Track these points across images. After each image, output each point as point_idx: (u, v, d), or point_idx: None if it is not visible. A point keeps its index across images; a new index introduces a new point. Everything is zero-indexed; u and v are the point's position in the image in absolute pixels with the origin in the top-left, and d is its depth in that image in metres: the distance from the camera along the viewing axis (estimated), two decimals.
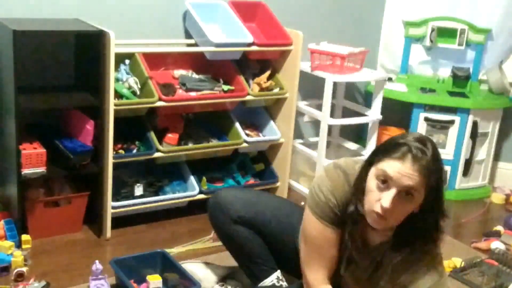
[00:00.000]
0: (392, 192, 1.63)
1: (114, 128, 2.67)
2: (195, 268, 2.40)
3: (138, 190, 2.94)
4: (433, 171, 1.63)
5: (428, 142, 1.66)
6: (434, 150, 1.65)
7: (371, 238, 1.83)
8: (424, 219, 1.71)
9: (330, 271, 1.90)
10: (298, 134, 3.68)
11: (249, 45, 3.06)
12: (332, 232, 1.84)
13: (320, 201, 1.83)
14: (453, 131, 3.59)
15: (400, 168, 1.62)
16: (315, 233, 1.87)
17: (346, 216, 1.80)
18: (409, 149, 1.62)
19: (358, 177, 1.77)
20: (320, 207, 1.84)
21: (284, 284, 2.17)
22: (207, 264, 2.48)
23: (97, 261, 2.32)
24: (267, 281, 2.16)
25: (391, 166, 1.63)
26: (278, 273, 2.18)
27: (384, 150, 1.69)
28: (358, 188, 1.75)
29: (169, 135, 2.97)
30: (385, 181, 1.65)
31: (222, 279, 2.39)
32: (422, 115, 3.60)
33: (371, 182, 1.69)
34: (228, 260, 2.37)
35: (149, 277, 2.24)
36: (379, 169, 1.66)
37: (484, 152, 3.74)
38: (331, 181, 1.83)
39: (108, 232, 2.78)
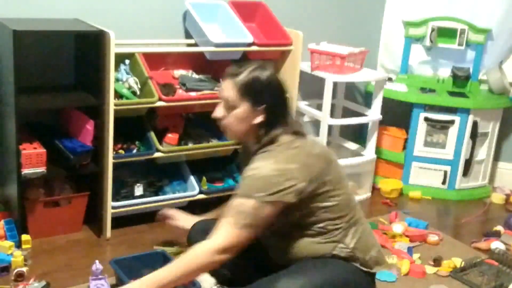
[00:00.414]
0: (220, 105, 2.05)
1: (114, 128, 2.67)
2: None
3: (138, 190, 2.94)
4: (248, 88, 1.97)
5: (250, 68, 2.00)
6: (255, 75, 1.99)
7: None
8: (267, 132, 2.01)
9: None
10: None
11: (249, 45, 3.06)
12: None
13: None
14: (453, 131, 3.59)
15: (221, 83, 2.05)
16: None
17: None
18: (227, 70, 2.03)
19: None
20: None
21: None
22: None
23: (97, 261, 2.32)
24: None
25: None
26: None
27: None
28: None
29: (169, 135, 2.97)
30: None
31: (220, 282, 2.38)
32: (422, 115, 3.60)
33: None
34: None
35: None
36: None
37: (484, 152, 3.74)
38: None
39: (108, 232, 2.78)
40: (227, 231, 1.92)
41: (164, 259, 2.34)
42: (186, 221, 2.48)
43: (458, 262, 2.75)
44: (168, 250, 2.67)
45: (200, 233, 2.29)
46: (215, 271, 2.37)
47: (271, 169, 1.92)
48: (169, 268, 1.96)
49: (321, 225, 2.02)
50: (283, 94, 2.06)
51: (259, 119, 2.01)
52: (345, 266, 2.04)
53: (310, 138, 2.12)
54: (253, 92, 1.99)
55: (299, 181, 1.93)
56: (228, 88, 2.01)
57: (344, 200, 2.07)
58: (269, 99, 2.00)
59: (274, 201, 1.91)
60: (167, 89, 2.93)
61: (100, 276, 2.30)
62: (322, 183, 1.99)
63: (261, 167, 1.94)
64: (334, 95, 3.56)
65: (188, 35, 3.18)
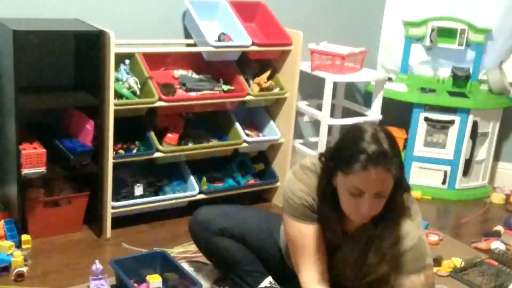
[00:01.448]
0: (367, 198, 1.68)
1: (114, 128, 2.67)
2: (192, 269, 2.41)
3: (138, 190, 2.94)
4: (394, 162, 1.68)
5: (381, 135, 1.68)
6: (389, 141, 1.69)
7: (349, 225, 1.87)
8: (394, 198, 1.75)
9: (322, 266, 1.91)
10: (298, 134, 3.68)
11: (248, 47, 3.06)
12: (314, 228, 1.88)
13: (295, 203, 1.87)
14: (453, 131, 3.59)
15: (367, 178, 1.65)
16: (297, 234, 1.90)
17: (321, 213, 1.86)
18: (368, 157, 1.64)
19: (321, 182, 1.81)
20: (296, 209, 1.87)
21: (277, 286, 2.17)
22: (205, 264, 2.48)
23: (97, 261, 2.32)
24: (262, 285, 2.16)
25: (358, 179, 1.66)
26: (270, 278, 2.19)
27: (343, 160, 1.70)
28: (325, 191, 1.80)
29: (169, 135, 2.97)
30: (357, 192, 1.69)
31: (219, 280, 2.39)
32: (422, 115, 3.60)
33: (343, 193, 1.73)
34: None
35: (149, 277, 2.24)
36: (348, 184, 1.69)
37: (484, 152, 3.74)
38: (302, 182, 1.87)
39: (108, 232, 2.78)
40: None
41: (164, 259, 2.35)
42: None
43: (458, 262, 2.75)
44: (169, 250, 2.67)
45: (201, 228, 2.27)
46: (213, 268, 2.39)
47: (416, 227, 1.80)
48: None
49: None
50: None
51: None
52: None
53: None
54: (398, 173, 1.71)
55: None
56: (384, 182, 1.67)
57: None
58: (402, 173, 1.77)
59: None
60: (167, 89, 2.93)
61: (100, 276, 2.30)
62: None
63: (409, 231, 1.78)
64: (334, 95, 3.56)
65: (187, 35, 3.18)
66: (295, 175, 1.91)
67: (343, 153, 1.71)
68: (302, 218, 1.88)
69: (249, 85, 3.15)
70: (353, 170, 1.65)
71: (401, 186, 1.74)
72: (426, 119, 3.60)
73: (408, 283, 1.77)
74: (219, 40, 3.05)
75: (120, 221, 2.84)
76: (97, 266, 2.30)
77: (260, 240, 2.21)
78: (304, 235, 1.89)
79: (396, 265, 1.80)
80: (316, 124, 3.61)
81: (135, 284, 2.26)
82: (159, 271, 2.34)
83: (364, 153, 1.64)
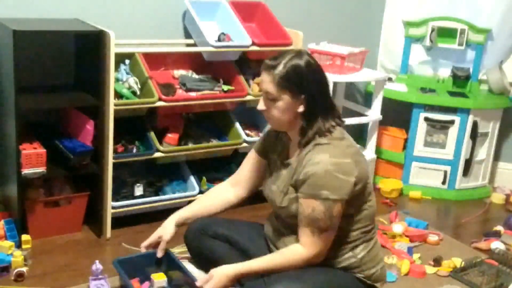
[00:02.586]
0: (261, 98, 2.03)
1: (114, 128, 2.67)
2: (190, 267, 2.40)
3: (138, 190, 2.94)
4: (278, 73, 1.93)
5: (287, 58, 1.95)
6: (292, 65, 1.94)
7: (290, 154, 2.10)
8: (310, 120, 1.98)
9: (246, 181, 2.30)
10: None
11: (248, 47, 3.06)
12: (255, 155, 2.27)
13: (260, 137, 2.33)
14: (453, 131, 3.59)
15: (261, 77, 2.00)
16: (245, 158, 2.34)
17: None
18: (264, 63, 1.98)
19: None
20: (258, 141, 2.31)
21: None
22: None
23: (97, 261, 2.31)
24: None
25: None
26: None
27: None
28: None
29: (169, 135, 2.97)
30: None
31: None
32: (422, 115, 3.60)
33: None
34: None
35: (153, 276, 2.22)
36: None
37: (484, 152, 3.74)
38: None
39: (108, 232, 2.78)
40: (310, 240, 1.95)
41: (167, 258, 2.34)
42: (163, 231, 2.33)
43: (458, 262, 2.75)
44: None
45: (196, 232, 2.30)
46: None
47: (330, 163, 1.91)
48: (255, 262, 2.02)
49: (346, 233, 2.01)
50: (324, 79, 2.02)
51: (301, 108, 1.97)
52: (346, 276, 2.02)
53: (344, 131, 2.10)
54: (292, 83, 1.95)
55: (352, 176, 1.93)
56: (266, 82, 1.97)
57: (373, 209, 2.08)
58: (310, 88, 1.97)
59: (339, 199, 1.91)
60: (167, 89, 2.93)
61: (100, 276, 2.30)
62: (364, 186, 1.99)
63: (320, 161, 1.91)
64: (334, 95, 3.56)
65: (187, 35, 3.18)
66: None
67: None
68: (255, 147, 2.27)
69: (249, 85, 3.15)
70: None
71: (311, 112, 1.97)
72: (426, 119, 3.61)
73: (305, 204, 1.93)
74: (219, 40, 3.05)
75: (120, 221, 2.84)
76: (97, 266, 2.30)
77: (252, 246, 2.24)
78: (247, 158, 2.30)
79: (300, 187, 1.95)
80: None
81: (138, 284, 2.24)
82: (162, 270, 2.33)
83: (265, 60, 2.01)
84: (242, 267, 2.00)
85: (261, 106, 2.04)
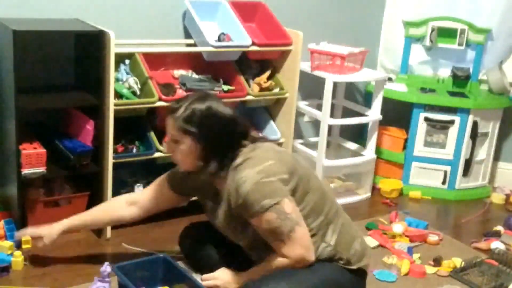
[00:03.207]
0: (167, 141, 2.08)
1: (114, 128, 2.67)
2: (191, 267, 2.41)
3: (138, 190, 2.93)
4: (186, 123, 1.98)
5: (188, 103, 2.00)
6: (192, 108, 1.99)
7: (219, 190, 2.10)
8: (208, 161, 2.03)
9: (146, 202, 2.36)
10: (298, 134, 3.68)
11: (248, 47, 3.06)
12: (164, 184, 2.32)
13: (176, 171, 2.28)
14: (453, 131, 3.59)
15: (166, 121, 2.06)
16: None
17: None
18: (168, 107, 2.06)
19: None
20: (173, 175, 2.33)
21: None
22: None
23: (106, 263, 2.24)
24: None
25: None
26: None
27: None
28: None
29: None
30: None
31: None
32: (422, 115, 3.60)
33: None
34: None
35: None
36: None
37: (484, 152, 3.74)
38: None
39: (108, 232, 2.78)
40: (287, 250, 1.96)
41: (166, 264, 2.33)
42: (48, 231, 2.39)
43: (458, 262, 2.75)
44: (168, 250, 2.67)
45: (190, 239, 2.33)
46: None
47: (255, 173, 1.92)
48: (258, 269, 2.05)
49: (307, 227, 2.01)
50: (224, 125, 2.03)
51: (203, 151, 2.01)
52: (330, 267, 2.03)
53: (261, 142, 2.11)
54: (191, 127, 1.99)
55: (283, 173, 1.94)
56: (169, 125, 2.03)
57: (319, 196, 2.06)
58: (207, 133, 2.00)
59: (283, 199, 1.91)
60: (167, 89, 2.93)
61: (106, 279, 2.26)
62: (299, 179, 1.99)
63: (244, 177, 1.93)
64: (334, 95, 3.56)
65: (187, 35, 3.18)
66: None
67: None
68: (168, 178, 2.33)
69: (249, 85, 3.15)
70: None
71: (207, 155, 2.01)
72: (426, 119, 3.60)
73: (257, 223, 1.94)
74: (219, 40, 3.05)
75: None
76: (106, 268, 2.26)
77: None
78: (156, 184, 2.36)
79: (243, 212, 1.95)
80: (316, 124, 3.61)
81: None
82: (161, 277, 2.31)
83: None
84: (244, 278, 2.04)
85: (167, 149, 2.12)
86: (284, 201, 1.91)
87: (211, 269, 2.21)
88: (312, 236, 2.01)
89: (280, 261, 1.99)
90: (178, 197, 2.34)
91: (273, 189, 1.91)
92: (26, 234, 2.42)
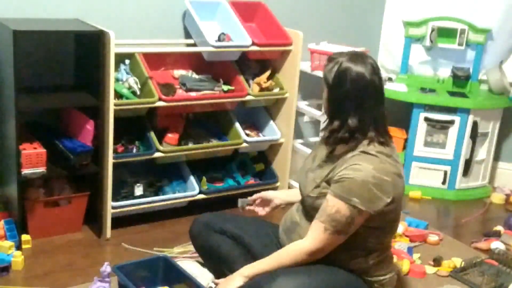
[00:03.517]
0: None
1: (114, 128, 2.67)
2: (191, 266, 2.40)
3: (138, 190, 2.94)
4: (334, 79, 1.95)
5: (345, 57, 1.95)
6: (345, 69, 1.93)
7: (336, 149, 2.05)
8: (343, 119, 1.97)
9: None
10: (298, 134, 3.68)
11: (248, 47, 3.06)
12: None
13: None
14: (453, 131, 3.59)
15: None
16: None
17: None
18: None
19: None
20: None
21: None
22: (203, 263, 2.47)
23: (106, 263, 2.26)
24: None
25: None
26: (212, 277, 2.32)
27: None
28: None
29: (169, 135, 2.97)
30: None
31: (217, 278, 2.38)
32: (422, 115, 3.60)
33: None
34: None
35: None
36: None
37: (484, 152, 3.74)
38: None
39: (108, 232, 2.78)
40: (319, 236, 1.94)
41: (166, 264, 2.33)
42: (279, 196, 2.40)
43: (458, 262, 2.75)
44: (168, 251, 2.68)
45: (202, 227, 2.31)
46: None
47: (371, 176, 1.88)
48: (265, 260, 2.02)
49: (363, 241, 2.00)
50: (372, 96, 1.96)
51: (329, 106, 2.02)
52: (349, 276, 2.02)
53: (395, 151, 2.05)
54: (332, 85, 1.98)
55: (388, 196, 1.91)
56: (322, 81, 2.02)
57: (396, 225, 2.07)
58: (339, 91, 1.96)
59: (365, 211, 1.89)
60: (167, 89, 2.93)
61: (106, 279, 2.25)
62: (395, 207, 1.97)
63: (363, 169, 1.89)
64: None
65: (187, 35, 3.18)
66: None
67: None
68: None
69: (249, 85, 3.15)
70: None
71: (346, 115, 1.96)
72: (426, 119, 3.60)
73: (331, 202, 1.92)
74: (219, 40, 3.05)
75: (120, 221, 2.84)
76: (106, 268, 2.25)
77: (256, 243, 2.24)
78: None
79: (333, 184, 1.94)
80: (316, 124, 3.61)
81: None
82: (161, 277, 2.31)
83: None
84: (254, 268, 2.01)
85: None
86: (363, 214, 1.90)
87: (220, 258, 2.23)
88: (360, 249, 2.01)
89: (298, 248, 1.98)
90: None
91: (368, 198, 1.88)
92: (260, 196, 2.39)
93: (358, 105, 1.94)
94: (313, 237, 1.96)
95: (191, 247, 2.64)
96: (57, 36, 2.82)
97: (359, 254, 2.02)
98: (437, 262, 2.75)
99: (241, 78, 3.13)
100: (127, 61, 2.91)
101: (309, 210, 2.06)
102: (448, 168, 3.65)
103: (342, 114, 1.97)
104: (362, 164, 1.90)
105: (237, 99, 3.13)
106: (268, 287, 1.87)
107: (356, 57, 1.96)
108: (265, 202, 2.37)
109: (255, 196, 2.38)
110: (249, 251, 2.22)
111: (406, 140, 3.72)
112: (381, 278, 2.06)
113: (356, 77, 1.93)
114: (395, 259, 2.73)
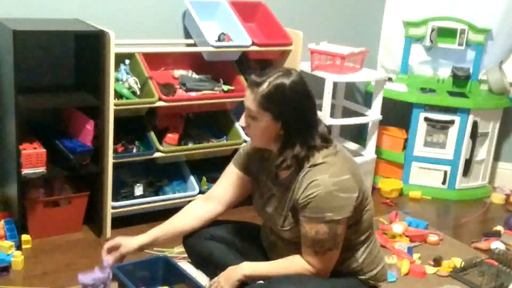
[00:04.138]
0: (244, 114, 1.96)
1: (114, 128, 2.67)
2: (189, 267, 2.40)
3: (138, 190, 2.94)
4: (261, 92, 1.87)
5: (273, 77, 1.87)
6: (275, 84, 1.87)
7: (281, 174, 2.03)
8: (287, 145, 1.93)
9: (225, 196, 2.23)
10: None
11: (248, 47, 3.06)
12: (236, 172, 2.20)
13: (239, 152, 2.22)
14: (453, 131, 3.59)
15: (245, 93, 1.94)
16: (224, 172, 2.27)
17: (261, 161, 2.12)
18: (249, 79, 1.92)
19: None
20: (237, 154, 2.22)
21: None
22: None
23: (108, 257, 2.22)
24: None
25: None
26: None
27: None
28: None
29: (169, 135, 2.97)
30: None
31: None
32: (422, 115, 3.60)
33: None
34: None
35: None
36: None
37: (484, 152, 3.74)
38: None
39: (108, 232, 2.78)
40: (314, 260, 1.93)
41: (166, 264, 2.32)
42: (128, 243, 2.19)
43: (458, 262, 2.75)
44: (168, 251, 2.67)
45: (194, 235, 2.28)
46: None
47: (331, 184, 1.86)
48: (267, 266, 2.02)
49: (346, 241, 1.98)
50: (308, 102, 1.93)
51: (281, 131, 1.92)
52: (348, 280, 2.02)
53: (334, 142, 2.05)
54: (273, 104, 1.87)
55: (354, 191, 1.90)
56: (249, 99, 1.91)
57: (371, 213, 2.05)
58: (289, 112, 1.89)
59: (342, 218, 1.88)
60: (167, 89, 2.93)
61: (106, 270, 2.23)
62: (362, 195, 1.96)
63: (321, 183, 1.86)
64: (334, 95, 3.56)
65: (187, 35, 3.18)
66: None
67: None
68: (235, 163, 2.21)
69: None
70: None
71: (288, 136, 1.92)
72: (426, 119, 3.61)
73: (308, 227, 1.90)
74: (219, 40, 3.05)
75: (120, 221, 2.84)
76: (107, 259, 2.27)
77: (248, 248, 2.24)
78: (226, 173, 2.24)
79: (302, 210, 1.91)
80: None
81: None
82: (161, 277, 2.31)
83: (250, 76, 1.95)
84: (254, 269, 2.00)
85: (241, 122, 1.99)
86: (342, 220, 1.89)
87: (214, 264, 2.22)
88: (346, 250, 2.00)
89: (300, 264, 1.96)
90: (246, 178, 2.19)
91: (340, 206, 1.87)
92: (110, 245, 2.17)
93: (300, 114, 1.91)
94: (310, 263, 1.95)
95: None
96: (57, 36, 2.82)
97: (348, 256, 2.01)
98: (437, 262, 2.75)
99: (241, 78, 3.13)
100: (127, 61, 2.91)
101: (290, 239, 2.03)
102: (448, 168, 3.65)
103: (291, 136, 1.92)
104: (317, 178, 1.87)
105: (237, 99, 3.13)
106: None
107: (279, 72, 1.91)
108: (114, 249, 2.15)
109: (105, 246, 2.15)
110: (242, 256, 2.20)
111: (406, 140, 3.72)
112: (374, 272, 2.05)
113: (293, 85, 1.88)
114: (395, 260, 2.74)
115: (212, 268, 2.22)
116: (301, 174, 1.92)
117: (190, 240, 2.32)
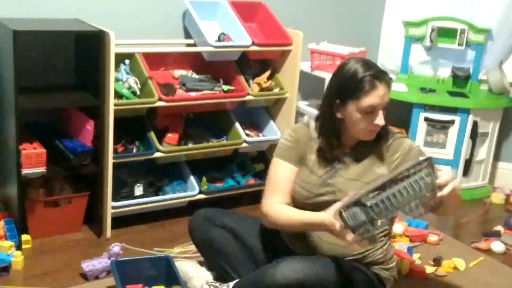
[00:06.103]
0: (381, 112, 1.99)
1: (114, 128, 2.67)
2: (188, 267, 2.40)
3: (138, 190, 2.94)
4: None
5: (367, 61, 2.03)
6: (374, 63, 2.03)
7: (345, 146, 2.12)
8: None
9: (285, 199, 2.12)
10: None
11: (248, 47, 3.06)
12: (289, 167, 2.12)
13: (282, 144, 2.16)
14: (453, 131, 3.59)
15: (379, 95, 1.96)
16: (275, 170, 2.15)
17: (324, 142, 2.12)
18: (372, 77, 1.96)
19: (324, 117, 2.09)
20: (280, 148, 2.16)
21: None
22: (201, 263, 2.47)
23: (115, 244, 2.29)
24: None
25: (372, 98, 1.96)
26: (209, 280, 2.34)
27: (350, 91, 1.98)
28: (329, 125, 2.08)
29: (169, 135, 2.98)
30: (370, 109, 1.98)
31: (213, 279, 2.39)
32: (422, 115, 3.60)
33: (357, 117, 2.00)
34: None
35: None
36: (364, 106, 1.97)
37: (484, 152, 3.73)
38: (292, 129, 2.20)
39: (108, 232, 2.78)
40: None
41: (167, 264, 2.33)
42: None
43: (458, 262, 2.75)
44: (168, 251, 2.68)
45: (203, 220, 2.31)
46: (209, 268, 2.40)
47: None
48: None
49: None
50: None
51: None
52: (358, 271, 2.06)
53: None
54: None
55: None
56: (387, 95, 2.01)
57: None
58: None
59: None
60: (167, 89, 2.93)
61: (112, 258, 2.29)
62: None
63: (408, 141, 2.20)
64: None
65: (187, 35, 3.18)
66: (291, 127, 2.33)
67: (347, 87, 1.99)
68: (289, 159, 2.13)
69: (249, 85, 3.15)
70: (364, 92, 1.95)
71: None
72: (426, 119, 3.60)
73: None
74: (219, 40, 3.05)
75: (120, 221, 2.84)
76: (113, 248, 2.26)
77: (254, 241, 2.26)
78: (279, 172, 2.14)
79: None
80: None
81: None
82: (161, 276, 2.31)
83: (368, 76, 1.96)
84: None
85: (382, 121, 2.02)
86: None
87: (217, 252, 2.25)
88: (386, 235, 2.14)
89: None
90: (295, 169, 2.16)
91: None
92: None
93: None
94: None
95: (191, 247, 2.64)
96: (57, 36, 2.82)
97: (382, 243, 2.11)
98: (437, 262, 2.75)
99: (241, 78, 3.13)
100: (127, 61, 2.91)
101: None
102: (448, 168, 3.65)
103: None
104: (406, 141, 2.17)
105: (237, 99, 3.13)
106: (273, 271, 1.90)
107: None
108: None
109: None
110: (246, 246, 2.24)
111: None
112: (391, 265, 2.15)
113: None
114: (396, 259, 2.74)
115: (215, 255, 2.27)
116: (386, 144, 2.14)
117: (197, 223, 2.34)
